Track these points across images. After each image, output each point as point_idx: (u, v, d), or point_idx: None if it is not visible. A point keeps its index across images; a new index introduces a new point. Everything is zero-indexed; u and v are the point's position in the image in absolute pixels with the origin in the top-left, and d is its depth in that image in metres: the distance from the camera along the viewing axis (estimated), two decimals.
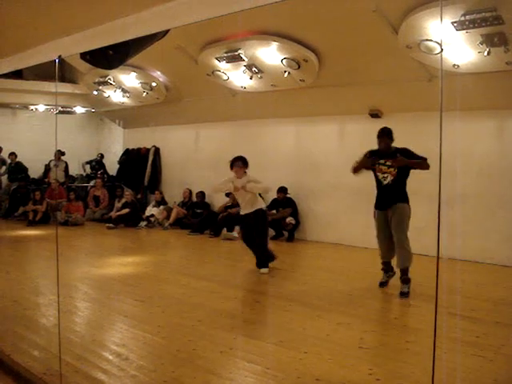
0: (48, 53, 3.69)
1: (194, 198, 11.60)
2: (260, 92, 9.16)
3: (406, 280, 5.65)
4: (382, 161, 5.82)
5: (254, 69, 8.29)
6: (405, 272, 5.67)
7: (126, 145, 14.10)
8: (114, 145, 14.64)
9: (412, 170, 5.74)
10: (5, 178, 13.33)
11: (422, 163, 5.57)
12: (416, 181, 7.32)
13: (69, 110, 13.63)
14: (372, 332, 4.67)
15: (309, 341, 4.27)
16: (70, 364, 3.63)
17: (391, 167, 5.75)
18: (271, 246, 7.46)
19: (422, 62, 6.89)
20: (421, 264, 5.59)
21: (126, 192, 12.28)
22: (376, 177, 5.91)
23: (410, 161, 5.65)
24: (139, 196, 13.01)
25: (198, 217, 11.01)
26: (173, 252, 9.47)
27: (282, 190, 9.79)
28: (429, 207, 5.84)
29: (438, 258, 2.32)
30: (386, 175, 5.81)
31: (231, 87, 9.34)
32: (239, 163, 6.97)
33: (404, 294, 5.56)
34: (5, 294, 5.79)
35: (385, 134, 5.76)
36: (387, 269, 6.05)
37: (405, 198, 5.81)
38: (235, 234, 9.90)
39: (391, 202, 5.80)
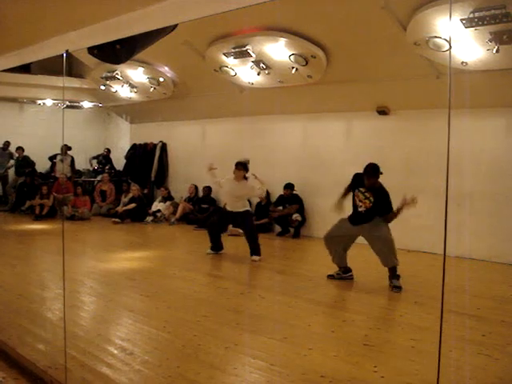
0: (56, 47, 3.68)
1: (201, 194, 11.61)
2: (267, 88, 9.13)
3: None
4: (362, 189, 5.97)
5: (261, 65, 8.26)
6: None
7: (133, 140, 14.10)
8: (121, 140, 14.64)
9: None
10: (12, 172, 13.36)
11: (391, 217, 5.80)
12: (423, 178, 7.28)
13: (76, 104, 13.63)
14: (377, 329, 4.67)
15: (314, 337, 4.27)
16: (75, 358, 3.65)
17: (367, 199, 5.93)
18: (278, 242, 7.46)
19: (430, 59, 6.85)
20: (427, 262, 5.57)
21: (132, 187, 12.29)
22: (353, 200, 6.08)
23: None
24: (146, 191, 13.02)
25: (205, 212, 11.03)
26: (179, 247, 9.48)
27: (289, 187, 9.79)
28: (435, 205, 5.81)
29: (444, 256, 2.31)
30: (361, 204, 6.00)
31: (238, 83, 9.33)
32: (239, 167, 7.42)
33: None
34: (11, 287, 5.83)
35: (372, 173, 5.83)
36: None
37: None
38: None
39: (363, 222, 6.01)
